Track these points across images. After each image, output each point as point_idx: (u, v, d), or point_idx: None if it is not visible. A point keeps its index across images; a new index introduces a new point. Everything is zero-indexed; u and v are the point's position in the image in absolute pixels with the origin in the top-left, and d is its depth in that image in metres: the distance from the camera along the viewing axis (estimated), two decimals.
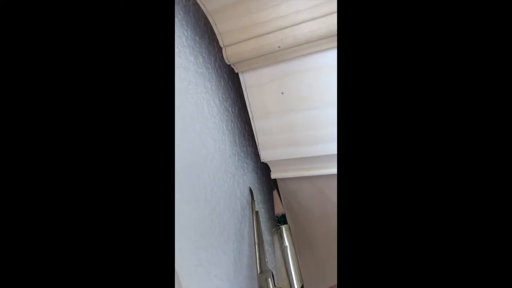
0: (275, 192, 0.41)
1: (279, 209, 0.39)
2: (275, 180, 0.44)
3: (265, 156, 0.38)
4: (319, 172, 0.37)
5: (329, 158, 0.36)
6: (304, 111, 0.34)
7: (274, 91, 0.34)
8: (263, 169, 0.46)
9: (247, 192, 0.41)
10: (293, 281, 0.33)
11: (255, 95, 0.35)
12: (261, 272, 0.34)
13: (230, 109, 0.39)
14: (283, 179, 0.41)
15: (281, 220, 0.37)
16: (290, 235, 0.36)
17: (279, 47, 0.30)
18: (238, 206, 0.38)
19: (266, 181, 0.47)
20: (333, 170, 0.37)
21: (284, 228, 0.36)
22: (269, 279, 0.33)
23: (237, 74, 0.35)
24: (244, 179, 0.40)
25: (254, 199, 0.41)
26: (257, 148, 0.38)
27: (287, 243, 0.35)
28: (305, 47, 0.30)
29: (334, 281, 0.33)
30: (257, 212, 0.39)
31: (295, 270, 0.34)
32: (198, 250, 0.30)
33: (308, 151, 0.35)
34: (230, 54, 0.32)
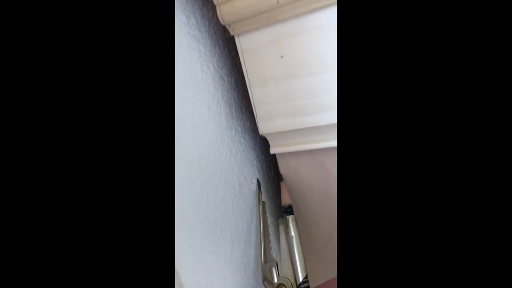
0: (282, 183, 0.40)
1: (286, 200, 0.38)
2: (279, 174, 0.42)
3: (263, 128, 0.35)
4: (321, 145, 0.35)
5: (331, 128, 0.33)
6: (305, 77, 0.32)
7: (273, 55, 0.31)
8: (262, 147, 0.44)
9: (245, 168, 0.38)
10: (297, 270, 0.33)
11: (252, 60, 0.32)
12: (265, 261, 0.34)
13: (226, 78, 0.36)
14: (283, 155, 0.39)
15: (288, 210, 0.37)
16: (296, 225, 0.36)
17: (277, 2, 0.28)
18: (235, 181, 0.35)
19: (265, 159, 0.45)
20: (335, 142, 0.35)
21: (290, 218, 0.36)
22: (273, 268, 0.33)
23: (233, 42, 0.33)
24: (241, 155, 0.38)
25: (261, 189, 0.40)
26: (255, 124, 0.36)
27: (293, 233, 0.35)
28: (306, 3, 0.28)
29: (334, 267, 0.33)
30: (263, 202, 0.39)
31: (300, 260, 0.33)
32: (191, 224, 0.27)
33: (309, 121, 0.33)
34: (224, 13, 0.29)
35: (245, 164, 0.38)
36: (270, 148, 0.38)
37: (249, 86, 0.34)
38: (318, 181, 0.39)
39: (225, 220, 0.32)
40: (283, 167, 0.40)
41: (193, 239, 0.27)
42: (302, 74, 0.31)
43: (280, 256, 0.35)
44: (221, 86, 0.35)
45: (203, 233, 0.28)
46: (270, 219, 0.42)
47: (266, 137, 0.37)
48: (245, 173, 0.38)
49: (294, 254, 0.34)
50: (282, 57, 0.31)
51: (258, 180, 0.41)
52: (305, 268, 0.33)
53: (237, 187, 0.36)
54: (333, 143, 0.34)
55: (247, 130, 0.40)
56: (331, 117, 0.32)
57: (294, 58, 0.31)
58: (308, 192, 0.40)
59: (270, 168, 0.47)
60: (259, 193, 0.40)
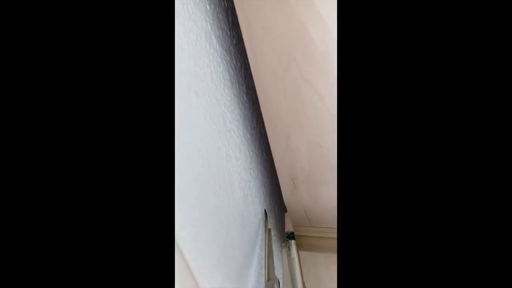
0: (286, 214, 0.48)
1: (289, 228, 0.46)
2: (284, 206, 0.48)
3: None
4: None
5: None
6: None
7: None
8: None
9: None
10: (297, 287, 0.36)
11: None
12: (268, 279, 0.39)
13: None
14: None
15: (290, 236, 0.44)
16: (297, 248, 0.42)
17: None
18: None
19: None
20: None
21: (292, 242, 0.43)
22: (275, 285, 0.37)
23: None
24: None
25: (267, 218, 0.48)
26: None
27: (294, 255, 0.41)
28: None
29: None
30: (269, 229, 0.46)
31: (299, 278, 0.37)
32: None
33: None
34: None
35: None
36: None
37: None
38: None
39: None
40: None
41: None
42: None
43: (282, 275, 0.40)
44: None
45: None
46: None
47: None
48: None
49: (295, 273, 0.38)
50: None
51: (265, 211, 0.48)
52: (304, 285, 0.37)
53: None
54: None
55: None
56: None
57: None
58: None
59: None
60: (265, 222, 0.47)
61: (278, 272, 0.49)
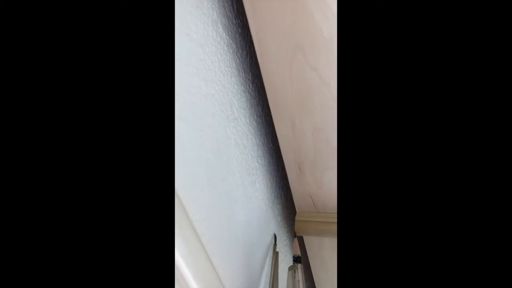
0: (295, 239, 0.50)
1: (296, 252, 0.49)
2: (294, 232, 0.50)
3: None
4: None
5: None
6: None
7: None
8: None
9: None
10: None
11: None
12: None
13: None
14: None
15: (297, 259, 0.47)
16: (302, 272, 0.45)
17: None
18: None
19: None
20: None
21: (298, 266, 0.45)
22: None
23: None
24: None
25: (276, 242, 0.51)
26: None
27: (299, 278, 0.43)
28: None
29: None
30: (277, 252, 0.49)
31: None
32: None
33: None
34: None
35: None
36: None
37: None
38: None
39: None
40: None
41: None
42: None
43: None
44: None
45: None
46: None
47: None
48: None
49: None
50: None
51: (275, 235, 0.52)
52: None
53: None
54: None
55: None
56: None
57: None
58: None
59: None
60: (274, 245, 0.51)
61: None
